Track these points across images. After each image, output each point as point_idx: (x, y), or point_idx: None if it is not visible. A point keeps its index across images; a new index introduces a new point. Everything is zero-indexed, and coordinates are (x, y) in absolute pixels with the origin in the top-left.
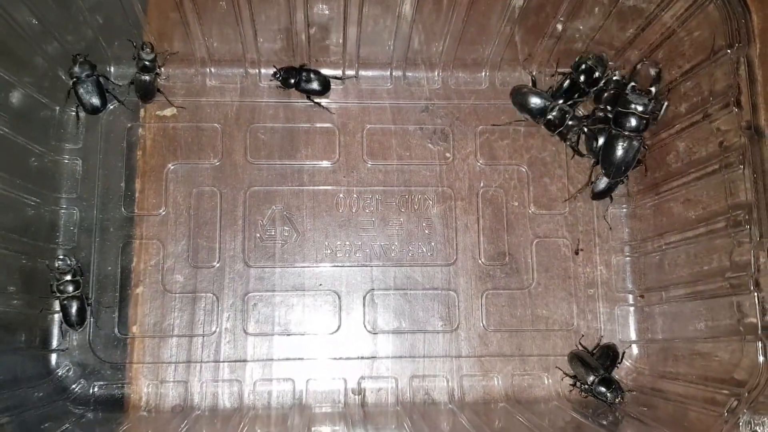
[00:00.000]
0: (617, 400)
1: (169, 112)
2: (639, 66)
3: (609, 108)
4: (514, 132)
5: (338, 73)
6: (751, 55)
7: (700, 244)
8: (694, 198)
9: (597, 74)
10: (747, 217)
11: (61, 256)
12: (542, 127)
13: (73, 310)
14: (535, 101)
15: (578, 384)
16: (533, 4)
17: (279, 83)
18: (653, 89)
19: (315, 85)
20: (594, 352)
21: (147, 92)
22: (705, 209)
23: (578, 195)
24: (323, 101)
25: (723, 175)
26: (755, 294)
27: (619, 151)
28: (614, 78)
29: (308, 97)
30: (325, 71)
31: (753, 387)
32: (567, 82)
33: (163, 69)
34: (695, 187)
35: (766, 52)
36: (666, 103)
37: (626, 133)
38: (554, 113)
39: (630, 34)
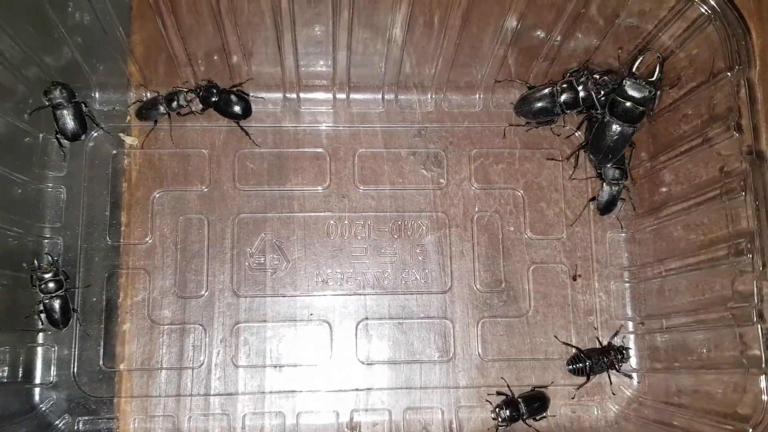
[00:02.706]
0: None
1: (130, 140)
2: (640, 56)
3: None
4: (509, 156)
5: (269, 95)
6: (751, 78)
7: (702, 272)
8: (695, 224)
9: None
10: (749, 245)
11: (44, 256)
12: (561, 123)
13: (57, 309)
14: (540, 102)
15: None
16: (526, 26)
17: (198, 103)
18: (654, 77)
19: (236, 109)
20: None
21: (67, 129)
22: (706, 236)
23: (581, 216)
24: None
25: (724, 201)
26: (758, 326)
27: (609, 138)
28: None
29: (235, 122)
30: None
31: (757, 423)
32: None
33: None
34: (696, 213)
35: (766, 74)
36: (659, 93)
37: (620, 121)
38: (564, 97)
39: (628, 55)
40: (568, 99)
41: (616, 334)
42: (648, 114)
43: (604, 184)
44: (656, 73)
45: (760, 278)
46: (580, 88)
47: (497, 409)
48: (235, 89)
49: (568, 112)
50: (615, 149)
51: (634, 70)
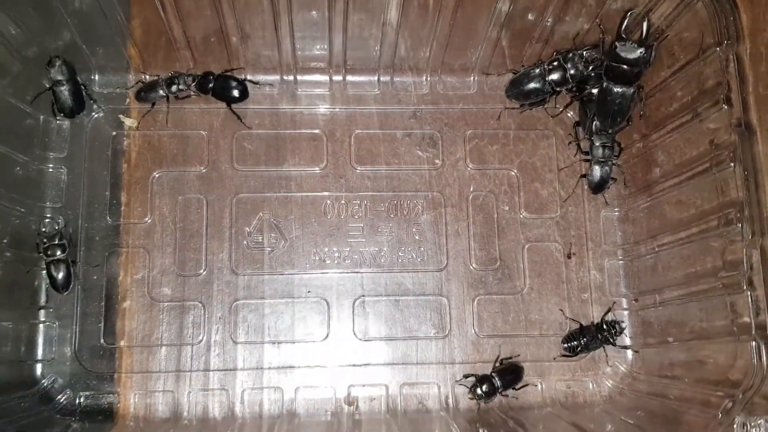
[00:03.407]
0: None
1: (129, 122)
2: (626, 18)
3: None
4: (503, 137)
5: (262, 78)
6: (740, 53)
7: (693, 245)
8: (686, 198)
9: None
10: (738, 215)
11: (48, 218)
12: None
13: (60, 273)
14: (530, 83)
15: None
16: (519, 8)
17: (195, 89)
18: (643, 36)
19: (234, 93)
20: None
21: (66, 105)
22: (697, 209)
23: (573, 194)
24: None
25: (714, 174)
26: (748, 293)
27: (613, 102)
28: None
29: (228, 105)
30: (251, 77)
31: (747, 387)
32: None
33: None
34: (687, 188)
35: (755, 49)
36: (650, 50)
37: (618, 84)
38: (553, 75)
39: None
40: (557, 77)
41: (608, 312)
42: (644, 69)
43: (593, 163)
44: (644, 31)
45: (750, 246)
46: (568, 65)
47: (473, 388)
48: (228, 73)
49: (559, 90)
50: (621, 111)
51: (622, 33)
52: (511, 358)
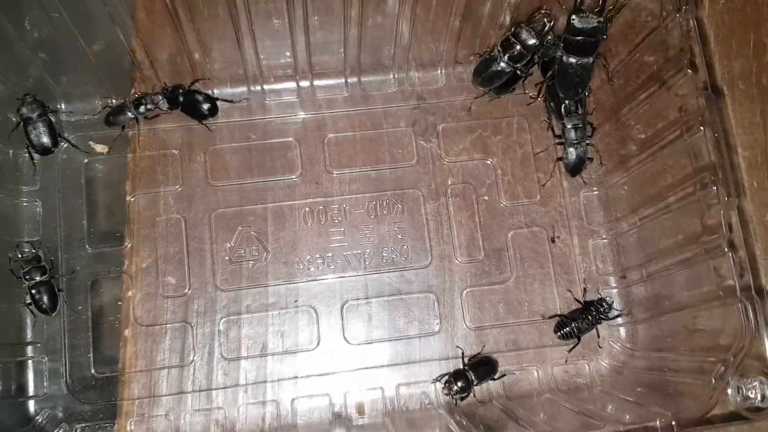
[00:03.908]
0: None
1: (100, 148)
2: None
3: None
4: (477, 127)
5: (229, 91)
6: (700, 16)
7: (673, 214)
8: (662, 169)
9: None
10: (713, 178)
11: (25, 243)
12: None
13: (44, 295)
14: (490, 67)
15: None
16: None
17: (164, 106)
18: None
19: (203, 108)
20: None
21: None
22: (674, 178)
23: (553, 176)
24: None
25: (685, 140)
26: (730, 255)
27: (573, 74)
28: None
29: (198, 119)
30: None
31: (738, 350)
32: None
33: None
34: (661, 157)
35: (725, 50)
36: (610, 16)
37: (577, 56)
38: (508, 54)
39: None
40: (514, 53)
41: (585, 293)
42: (601, 40)
43: (567, 145)
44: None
45: (727, 207)
46: (521, 37)
47: (447, 384)
48: (193, 88)
49: (519, 66)
50: (581, 83)
51: (578, 4)
52: (479, 353)
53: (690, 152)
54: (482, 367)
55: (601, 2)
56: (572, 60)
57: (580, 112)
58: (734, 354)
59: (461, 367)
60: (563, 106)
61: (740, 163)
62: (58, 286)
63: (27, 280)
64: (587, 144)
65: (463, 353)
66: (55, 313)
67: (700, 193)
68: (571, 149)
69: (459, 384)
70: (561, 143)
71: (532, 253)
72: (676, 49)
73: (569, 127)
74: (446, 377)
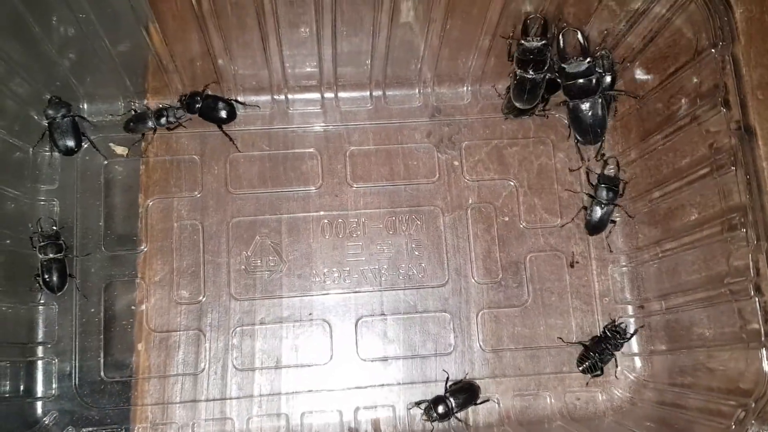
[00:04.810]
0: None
1: (120, 150)
2: (560, 37)
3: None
4: (500, 147)
5: (253, 99)
6: (736, 53)
7: (697, 250)
8: (688, 203)
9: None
10: (742, 220)
11: (48, 219)
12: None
13: (54, 273)
14: (526, 84)
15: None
16: (508, 15)
17: (183, 112)
18: (582, 47)
19: (221, 113)
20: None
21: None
22: (700, 214)
23: (573, 221)
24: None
25: (715, 178)
26: (756, 299)
27: (585, 117)
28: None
29: (219, 126)
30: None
31: (760, 396)
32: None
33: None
34: (688, 192)
35: (751, 49)
36: (596, 57)
37: (583, 98)
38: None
39: (611, 41)
40: (531, 64)
41: (613, 323)
42: (602, 78)
43: (594, 203)
44: (581, 43)
45: (756, 251)
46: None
47: (427, 410)
48: (210, 92)
49: (544, 71)
50: (597, 123)
51: (562, 50)
52: (463, 378)
53: (720, 191)
54: (463, 393)
55: (581, 41)
56: (579, 104)
57: (616, 174)
58: (755, 400)
59: (443, 392)
60: (602, 170)
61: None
62: (71, 270)
63: (42, 254)
64: (615, 205)
65: (447, 378)
66: (60, 293)
67: (727, 233)
68: (597, 207)
69: (440, 410)
70: (591, 195)
71: (550, 277)
72: (710, 84)
73: (602, 185)
74: (425, 404)
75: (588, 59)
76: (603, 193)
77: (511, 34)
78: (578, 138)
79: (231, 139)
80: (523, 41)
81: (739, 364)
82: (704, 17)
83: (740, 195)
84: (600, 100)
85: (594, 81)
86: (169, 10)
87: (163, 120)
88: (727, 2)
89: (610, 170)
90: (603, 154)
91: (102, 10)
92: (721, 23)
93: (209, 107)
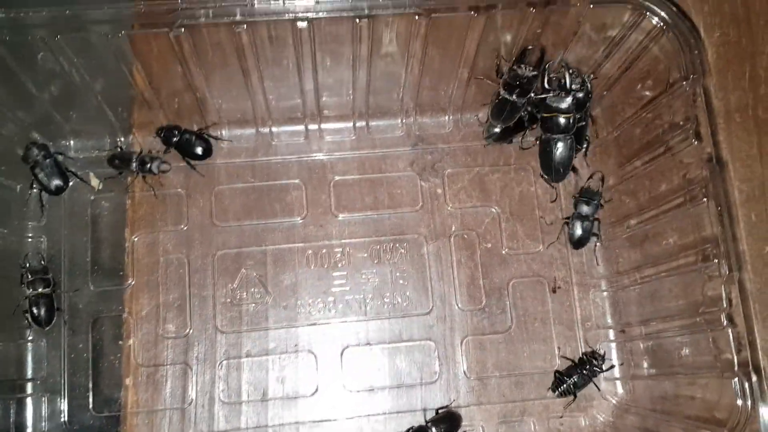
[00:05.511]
0: None
1: (95, 182)
2: (545, 68)
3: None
4: (482, 174)
5: (238, 132)
6: (707, 86)
7: (675, 278)
8: (665, 231)
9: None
10: (715, 251)
11: (35, 255)
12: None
13: (42, 308)
14: (506, 106)
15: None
16: (484, 50)
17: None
18: (566, 83)
19: (197, 150)
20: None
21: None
22: (676, 243)
23: (555, 242)
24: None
25: (689, 209)
26: (729, 330)
27: (553, 154)
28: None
29: (186, 160)
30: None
31: (733, 426)
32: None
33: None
34: (665, 220)
35: (729, 73)
36: (589, 84)
37: (558, 135)
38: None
39: (587, 69)
40: (517, 89)
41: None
42: (577, 115)
43: (574, 217)
44: (566, 79)
45: (728, 282)
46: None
47: None
48: (198, 131)
49: (528, 98)
50: (562, 162)
51: (546, 85)
52: (447, 406)
53: (693, 221)
54: (445, 423)
55: (567, 77)
56: (551, 138)
57: (598, 188)
58: (729, 430)
59: (424, 422)
60: (588, 182)
61: (743, 237)
62: (59, 304)
63: (30, 288)
64: (595, 219)
65: (425, 409)
66: (48, 327)
67: (701, 264)
68: (578, 222)
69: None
70: (574, 208)
71: (532, 303)
72: (682, 116)
73: (582, 199)
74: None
75: (570, 98)
76: (583, 207)
77: (500, 54)
78: (542, 173)
79: (193, 167)
80: (515, 67)
81: (713, 394)
82: (675, 49)
83: (712, 226)
84: (570, 141)
85: (571, 121)
86: (151, 51)
87: (146, 167)
88: (698, 35)
89: (590, 183)
90: (583, 188)
91: (85, 52)
92: (692, 56)
93: (187, 142)
